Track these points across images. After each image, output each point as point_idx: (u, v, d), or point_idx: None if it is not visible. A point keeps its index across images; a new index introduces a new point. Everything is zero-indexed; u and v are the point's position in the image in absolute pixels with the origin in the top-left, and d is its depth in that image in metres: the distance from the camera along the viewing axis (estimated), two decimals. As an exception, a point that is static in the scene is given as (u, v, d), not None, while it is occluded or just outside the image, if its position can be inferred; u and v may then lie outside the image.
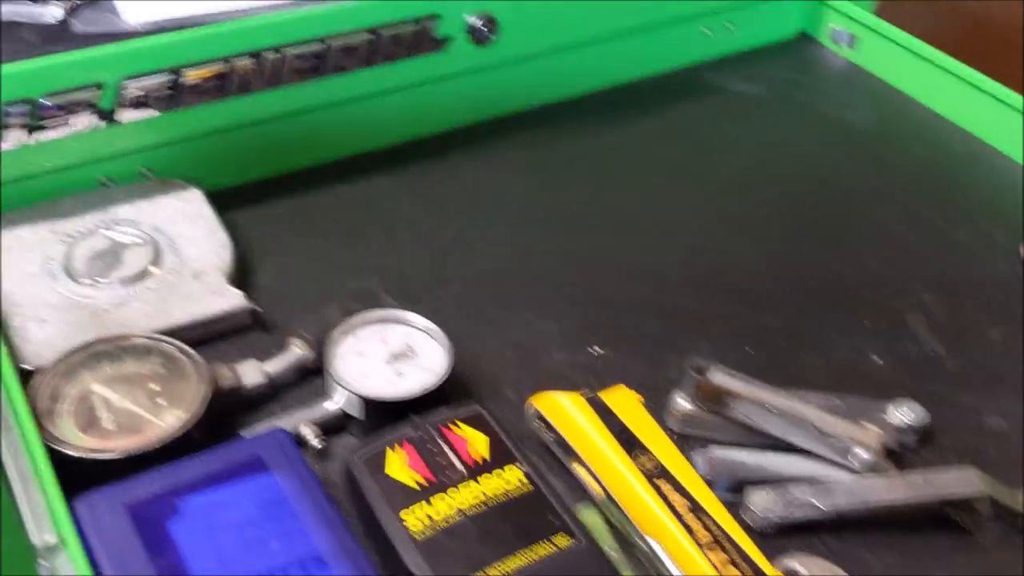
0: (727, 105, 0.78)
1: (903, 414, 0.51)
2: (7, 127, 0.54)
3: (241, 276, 0.58)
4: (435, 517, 0.43)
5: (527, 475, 0.44)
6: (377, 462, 0.45)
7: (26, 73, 0.53)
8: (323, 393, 0.51)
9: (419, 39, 0.64)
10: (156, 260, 0.57)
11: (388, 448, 0.45)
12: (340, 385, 0.50)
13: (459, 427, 0.47)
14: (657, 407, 0.51)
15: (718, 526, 0.44)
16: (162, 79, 0.57)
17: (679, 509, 0.45)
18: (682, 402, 0.51)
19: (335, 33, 0.61)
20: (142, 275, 0.56)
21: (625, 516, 0.45)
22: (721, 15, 0.79)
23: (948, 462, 0.51)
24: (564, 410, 0.48)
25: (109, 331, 0.52)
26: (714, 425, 0.51)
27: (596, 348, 0.56)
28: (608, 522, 0.46)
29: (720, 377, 0.51)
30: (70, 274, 0.55)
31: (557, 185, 0.70)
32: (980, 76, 0.73)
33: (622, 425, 0.48)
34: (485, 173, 0.70)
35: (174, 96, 0.58)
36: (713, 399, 0.50)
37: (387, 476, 0.45)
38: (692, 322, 0.59)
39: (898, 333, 0.59)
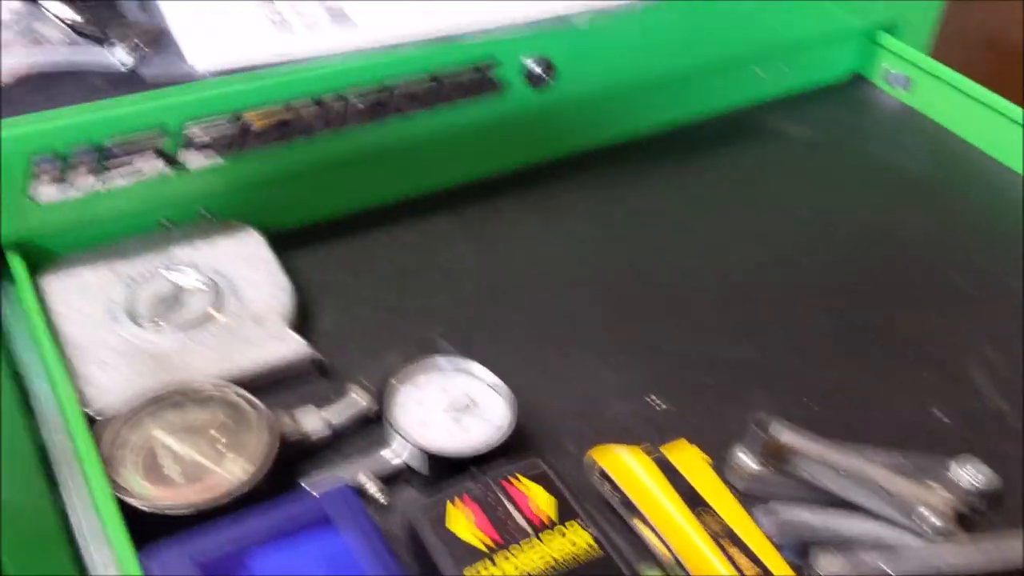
0: (780, 148, 0.78)
1: (971, 476, 0.50)
2: (74, 171, 0.54)
3: (300, 321, 0.59)
4: (501, 578, 0.42)
5: (596, 540, 0.43)
6: (439, 517, 0.45)
7: (94, 119, 0.54)
8: (383, 442, 0.51)
9: (478, 83, 0.64)
10: (217, 304, 0.57)
11: (449, 503, 0.45)
12: (401, 436, 0.49)
13: (522, 482, 0.46)
14: (718, 462, 0.51)
15: (786, 591, 0.44)
16: (227, 124, 0.57)
17: (747, 572, 0.44)
18: (745, 458, 0.50)
19: (397, 78, 0.61)
20: (204, 319, 0.56)
21: (691, 579, 0.45)
22: (775, 57, 0.78)
23: (1017, 526, 0.50)
24: (627, 466, 0.48)
25: (172, 377, 0.53)
26: (778, 483, 0.50)
27: (656, 399, 0.56)
28: (674, 584, 0.45)
29: (784, 434, 0.50)
30: (132, 317, 0.56)
31: (611, 229, 0.69)
32: (1040, 122, 0.73)
33: (686, 483, 0.47)
34: (540, 216, 0.70)
35: (238, 141, 0.58)
36: (777, 456, 0.50)
37: (450, 532, 0.44)
38: (752, 374, 0.59)
39: (960, 388, 0.58)
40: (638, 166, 0.75)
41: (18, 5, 0.58)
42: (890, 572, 0.45)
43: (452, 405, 0.51)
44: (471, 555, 0.43)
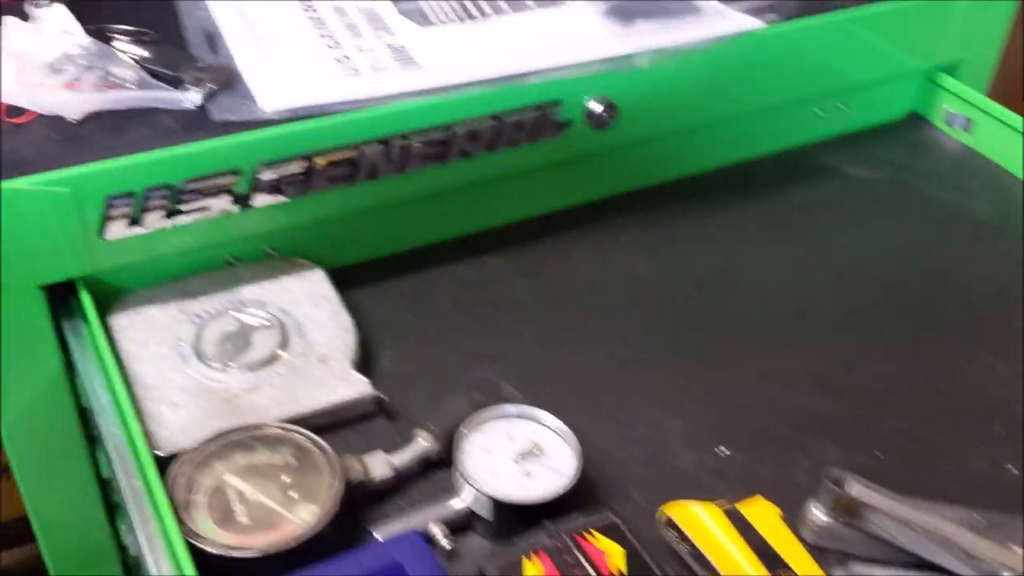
0: (840, 188, 0.77)
1: (1049, 535, 0.49)
2: (147, 210, 0.55)
3: (363, 360, 0.59)
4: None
5: (673, 598, 0.43)
6: (513, 572, 0.44)
7: (168, 160, 0.54)
8: (448, 488, 0.51)
9: (540, 124, 0.64)
10: (283, 344, 0.57)
11: (525, 558, 0.45)
12: (469, 484, 0.49)
13: (594, 537, 0.46)
14: (788, 514, 0.50)
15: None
16: (295, 165, 0.58)
17: (822, 633, 0.43)
18: (818, 513, 0.49)
19: (460, 119, 0.61)
20: (270, 359, 0.56)
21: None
22: (834, 97, 0.78)
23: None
24: (701, 522, 0.47)
25: (240, 417, 0.53)
26: (852, 539, 0.49)
27: (723, 449, 0.55)
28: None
29: (858, 489, 0.49)
30: (200, 356, 0.56)
31: (670, 268, 0.69)
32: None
33: (761, 540, 0.46)
34: (599, 255, 0.70)
35: (306, 181, 0.59)
36: (850, 511, 0.49)
37: (523, 585, 0.44)
38: (819, 424, 0.58)
39: (1032, 441, 0.58)
40: (697, 204, 0.74)
41: (89, 42, 0.59)
42: (971, 637, 0.44)
43: (519, 452, 0.51)
44: (544, 609, 0.43)
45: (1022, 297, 0.67)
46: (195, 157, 0.55)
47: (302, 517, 0.48)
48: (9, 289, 0.54)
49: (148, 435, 0.51)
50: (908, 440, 0.57)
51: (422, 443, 0.53)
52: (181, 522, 0.46)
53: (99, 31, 0.61)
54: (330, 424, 0.55)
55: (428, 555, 0.45)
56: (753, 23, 0.68)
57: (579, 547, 0.45)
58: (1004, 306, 0.67)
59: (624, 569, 0.44)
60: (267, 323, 0.58)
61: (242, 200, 0.58)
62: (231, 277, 0.61)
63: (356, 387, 0.56)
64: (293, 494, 0.49)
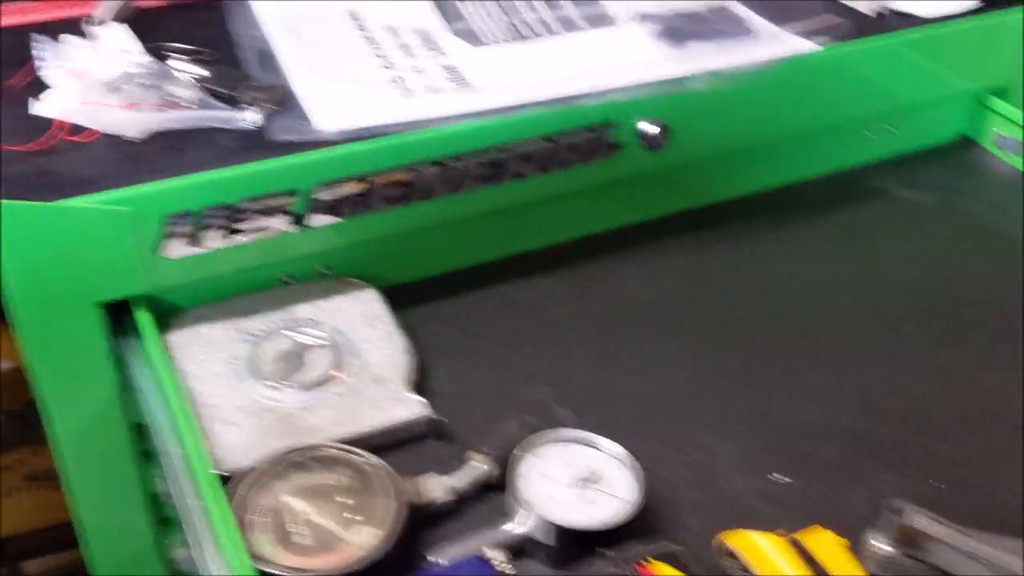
0: (889, 210, 0.77)
1: (1115, 570, 0.48)
2: (205, 230, 0.55)
3: (416, 381, 0.59)
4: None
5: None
6: (575, 598, 0.44)
7: (227, 180, 0.55)
8: (503, 512, 0.51)
9: (593, 146, 0.64)
10: (338, 363, 0.57)
11: (585, 584, 0.45)
12: (527, 508, 0.49)
13: (653, 565, 0.46)
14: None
15: None
16: (351, 186, 0.58)
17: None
18: (880, 544, 0.49)
19: (514, 141, 0.61)
20: (325, 379, 0.56)
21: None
22: (884, 118, 0.78)
23: None
24: (762, 552, 0.47)
25: (296, 437, 0.53)
26: (914, 570, 0.49)
27: (778, 475, 0.55)
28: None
29: (920, 520, 0.49)
30: (256, 375, 0.56)
31: (721, 290, 0.69)
32: None
33: (825, 572, 0.46)
34: (649, 275, 0.69)
35: (361, 202, 0.59)
36: (913, 543, 0.48)
37: (583, 612, 0.44)
38: (872, 450, 0.57)
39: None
40: (746, 225, 0.74)
41: (148, 61, 0.59)
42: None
43: (576, 477, 0.50)
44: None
45: (1078, 324, 0.66)
46: (253, 177, 0.55)
47: (361, 539, 0.48)
48: (67, 307, 0.54)
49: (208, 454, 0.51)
50: (962, 467, 0.56)
51: (477, 466, 0.53)
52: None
53: (156, 50, 0.62)
54: (384, 445, 0.55)
55: (489, 580, 0.45)
56: (807, 46, 0.67)
57: (640, 576, 0.45)
58: (1059, 332, 0.67)
59: (684, 598, 0.44)
60: (322, 343, 0.58)
61: (298, 220, 0.58)
62: (285, 296, 0.61)
63: (411, 408, 0.56)
64: (351, 515, 0.49)
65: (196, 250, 0.56)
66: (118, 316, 0.58)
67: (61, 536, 1.53)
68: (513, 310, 0.66)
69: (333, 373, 0.57)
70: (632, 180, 0.68)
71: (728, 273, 0.70)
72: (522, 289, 0.68)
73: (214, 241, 0.56)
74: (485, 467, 0.53)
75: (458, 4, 0.71)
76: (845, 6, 0.74)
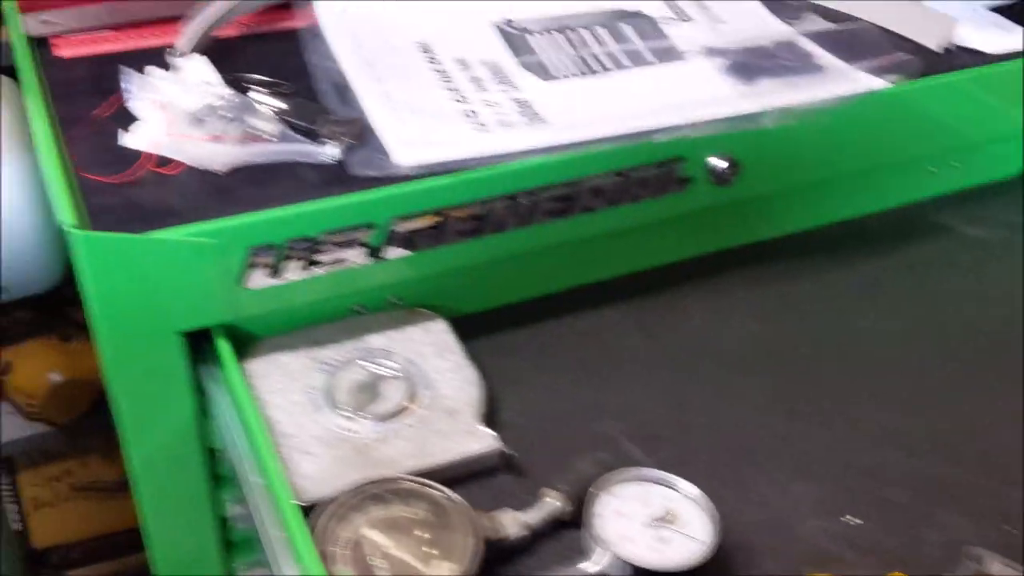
0: (952, 246, 0.76)
1: None
2: (286, 261, 0.56)
3: (486, 413, 0.59)
4: None
5: None
6: (655, 641, 0.45)
7: (309, 213, 0.56)
8: (577, 549, 0.51)
9: (664, 180, 0.64)
10: (412, 395, 0.58)
11: (666, 627, 0.45)
12: (603, 547, 0.49)
13: (732, 607, 0.46)
14: (921, 589, 0.50)
15: None
16: (427, 220, 0.59)
17: None
18: (957, 592, 0.49)
19: (586, 176, 0.62)
20: (399, 410, 0.57)
21: None
22: (949, 154, 0.77)
23: None
24: (842, 597, 0.47)
25: (372, 468, 0.54)
26: (992, 620, 0.49)
27: (851, 518, 0.55)
28: None
29: (999, 568, 0.49)
30: (332, 405, 0.57)
31: (787, 325, 0.69)
32: None
33: (905, 620, 0.46)
34: (713, 309, 0.70)
35: (436, 235, 0.60)
36: (990, 592, 0.48)
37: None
38: (944, 493, 0.57)
39: None
40: (809, 259, 0.74)
41: (230, 94, 0.60)
42: None
43: (652, 517, 0.51)
44: None
45: None
46: (334, 211, 0.56)
47: (440, 574, 0.48)
48: (150, 335, 0.56)
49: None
50: (1039, 514, 0.56)
51: (551, 502, 0.53)
52: None
53: (235, 81, 0.63)
54: (456, 478, 0.55)
55: (571, 621, 0.45)
56: (877, 83, 0.68)
57: (721, 619, 0.45)
58: None
59: (767, 644, 0.44)
60: (396, 374, 0.59)
61: (374, 252, 0.59)
62: (358, 326, 0.62)
63: (483, 442, 0.56)
64: (430, 550, 0.49)
65: (276, 281, 0.57)
66: (197, 343, 0.59)
67: (105, 546, 1.56)
68: (580, 342, 0.67)
69: (406, 404, 0.58)
70: (698, 213, 0.69)
71: (794, 308, 0.70)
72: (588, 321, 0.68)
73: (293, 272, 0.57)
74: (559, 503, 0.53)
75: (527, 37, 0.72)
76: (912, 42, 0.74)
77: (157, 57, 0.66)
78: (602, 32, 0.73)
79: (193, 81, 0.61)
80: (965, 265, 0.75)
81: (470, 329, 0.65)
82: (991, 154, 0.80)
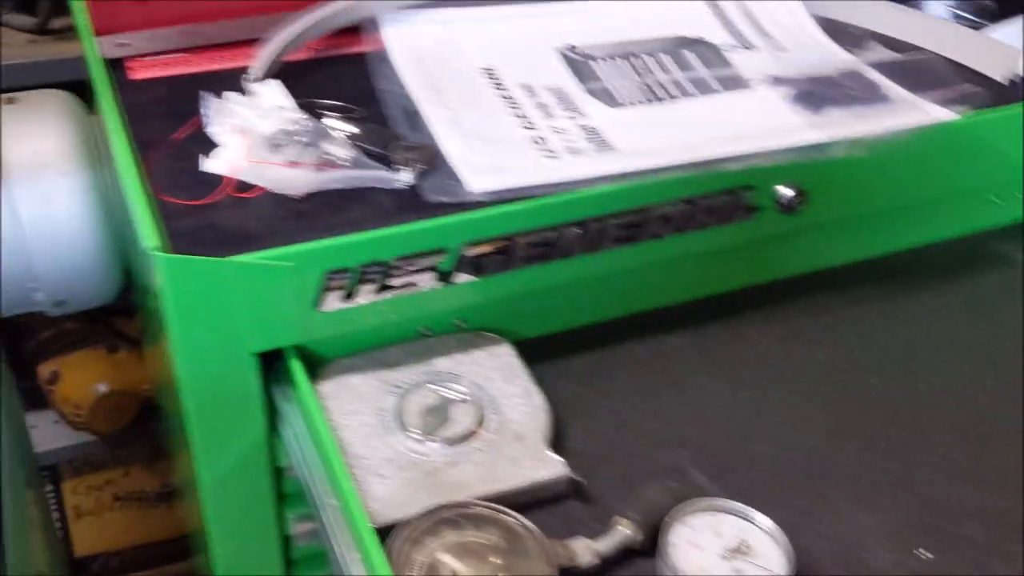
0: (1016, 277, 0.76)
1: None
2: (360, 285, 0.57)
3: (553, 438, 0.59)
4: None
5: None
6: (734, 675, 0.45)
7: (384, 238, 0.56)
8: (649, 578, 0.52)
9: (731, 208, 0.65)
10: (480, 419, 0.58)
11: (745, 661, 0.45)
12: (678, 577, 0.50)
13: (811, 642, 0.46)
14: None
15: None
16: (497, 245, 0.59)
17: None
18: (1036, 632, 0.48)
19: (655, 203, 0.62)
20: (469, 434, 0.57)
21: None
22: (1012, 184, 0.77)
23: None
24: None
25: (444, 492, 0.54)
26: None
27: (923, 551, 0.54)
28: None
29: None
30: (402, 428, 0.57)
31: (850, 354, 0.68)
32: None
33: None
34: (776, 336, 0.69)
35: (505, 261, 0.60)
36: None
37: None
38: (1011, 527, 0.56)
39: None
40: (871, 288, 0.74)
41: (304, 119, 0.61)
42: None
43: (726, 548, 0.51)
44: None
45: None
46: (408, 236, 0.57)
47: (515, 602, 0.48)
48: (226, 356, 0.56)
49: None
50: (1115, 553, 0.56)
51: (623, 530, 0.53)
52: (401, 600, 0.47)
53: (308, 106, 0.64)
54: (524, 504, 0.55)
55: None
56: (946, 114, 0.67)
57: (801, 655, 0.45)
58: None
59: None
60: (465, 397, 0.59)
61: (445, 277, 0.59)
62: (425, 349, 0.63)
63: (552, 468, 0.56)
64: (504, 577, 0.50)
65: (348, 304, 0.58)
66: (267, 362, 0.60)
67: (145, 556, 1.57)
68: (643, 369, 0.67)
69: (475, 429, 0.58)
70: (762, 241, 0.69)
71: (859, 336, 0.70)
72: (651, 347, 0.68)
73: (366, 296, 0.58)
74: (630, 532, 0.53)
75: (590, 63, 0.72)
76: (976, 73, 0.74)
77: (229, 79, 0.67)
78: (665, 59, 0.74)
79: (268, 106, 0.62)
80: (1027, 296, 0.75)
81: (533, 353, 0.65)
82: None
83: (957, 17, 0.84)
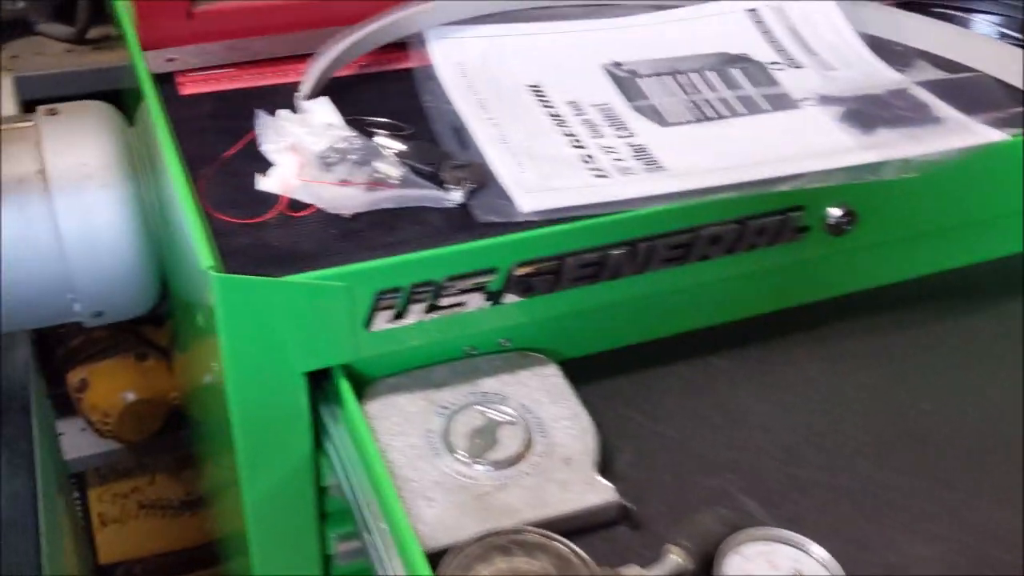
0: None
1: None
2: (411, 304, 0.57)
3: (602, 464, 0.59)
4: None
5: None
6: None
7: (436, 258, 0.56)
8: (701, 606, 0.51)
9: (781, 229, 0.64)
10: (528, 442, 0.58)
11: None
12: (733, 607, 0.49)
13: (873, 678, 0.45)
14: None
15: None
16: (547, 265, 0.59)
17: None
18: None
19: (706, 224, 0.62)
20: (517, 458, 0.57)
21: None
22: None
23: None
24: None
25: (492, 517, 0.54)
26: None
27: (978, 584, 0.54)
28: None
29: None
30: (450, 450, 0.57)
31: (899, 378, 0.67)
32: None
33: None
34: (824, 358, 0.68)
35: (553, 280, 0.60)
36: None
37: None
38: (1073, 562, 0.56)
39: None
40: (920, 308, 0.73)
41: (354, 136, 0.61)
42: None
43: (781, 578, 0.50)
44: None
45: None
46: (459, 256, 0.56)
47: (569, 631, 0.48)
48: (276, 375, 0.56)
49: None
50: None
51: (675, 559, 0.52)
52: (455, 628, 0.47)
53: (356, 123, 0.63)
54: (573, 530, 0.55)
55: None
56: (997, 135, 0.67)
57: None
58: None
59: None
60: (512, 420, 0.59)
61: (493, 297, 0.59)
62: (471, 368, 0.62)
63: (601, 493, 0.56)
64: (557, 605, 0.49)
65: (398, 324, 0.57)
66: (314, 381, 0.59)
67: (168, 564, 1.57)
68: (690, 391, 0.66)
69: (523, 452, 0.57)
70: (813, 263, 0.68)
71: (905, 359, 0.69)
72: (697, 369, 0.68)
73: (415, 316, 0.57)
74: (682, 560, 0.52)
75: (637, 80, 0.72)
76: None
77: (277, 95, 0.67)
78: (712, 77, 0.73)
79: (319, 123, 0.61)
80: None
81: (578, 373, 0.64)
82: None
83: (1003, 35, 0.83)
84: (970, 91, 0.73)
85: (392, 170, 0.59)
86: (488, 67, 0.72)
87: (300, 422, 0.58)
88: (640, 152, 0.65)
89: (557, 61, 0.74)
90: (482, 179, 0.61)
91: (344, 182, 0.57)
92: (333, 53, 0.66)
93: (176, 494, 1.57)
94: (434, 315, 0.58)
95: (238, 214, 0.57)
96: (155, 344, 1.48)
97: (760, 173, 0.63)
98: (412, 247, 0.56)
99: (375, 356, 0.59)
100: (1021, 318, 0.73)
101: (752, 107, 0.70)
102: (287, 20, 0.71)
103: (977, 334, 0.72)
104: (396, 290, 0.56)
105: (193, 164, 0.61)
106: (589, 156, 0.64)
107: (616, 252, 0.61)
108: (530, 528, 0.52)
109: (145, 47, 0.69)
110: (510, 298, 0.60)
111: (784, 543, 0.52)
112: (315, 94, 0.66)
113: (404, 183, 0.58)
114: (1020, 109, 0.70)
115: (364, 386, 0.60)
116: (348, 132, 0.61)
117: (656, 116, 0.69)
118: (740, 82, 0.72)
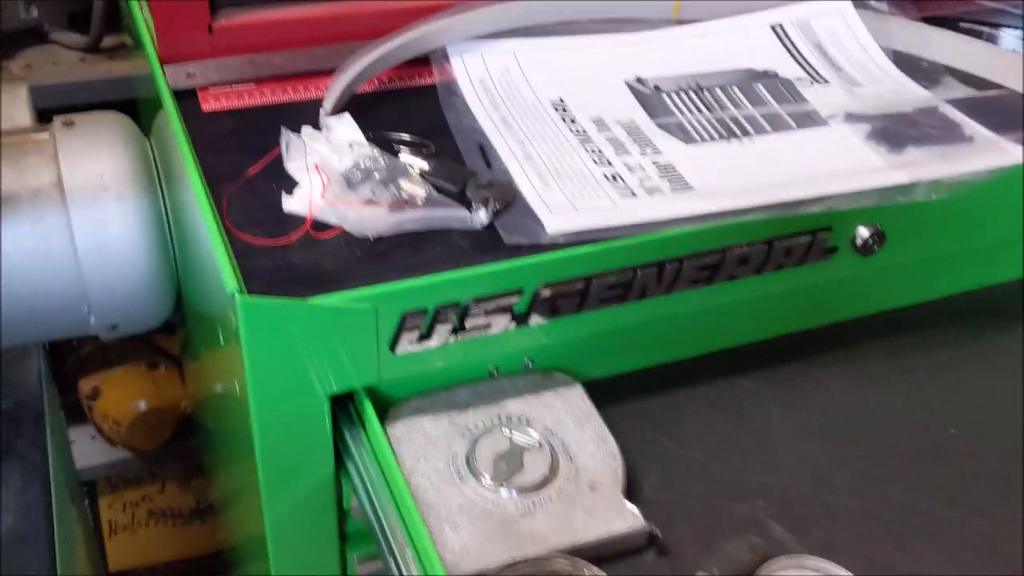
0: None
1: None
2: (436, 325, 0.56)
3: (629, 488, 0.58)
4: None
5: None
6: None
7: (461, 280, 0.55)
8: (732, 637, 0.50)
9: (809, 249, 0.63)
10: (554, 467, 0.57)
11: None
12: (765, 640, 0.48)
13: None
14: None
15: None
16: (573, 286, 0.58)
17: None
18: None
19: (734, 244, 0.61)
20: (543, 483, 0.56)
21: None
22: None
23: None
24: None
25: (519, 544, 0.53)
26: None
27: (1014, 615, 0.53)
28: None
29: None
30: (474, 474, 0.56)
31: (928, 400, 0.66)
32: None
33: None
34: (851, 380, 0.68)
35: (580, 302, 0.59)
36: None
37: None
38: (1111, 591, 0.55)
39: None
40: (947, 329, 0.72)
41: (378, 154, 0.60)
42: None
43: (815, 609, 0.49)
44: None
45: None
46: (486, 278, 0.56)
47: (599, 663, 0.47)
48: (300, 398, 0.55)
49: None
50: None
51: (705, 587, 0.52)
52: (483, 660, 0.46)
53: (379, 140, 0.63)
54: (600, 557, 0.54)
55: None
56: (1029, 155, 0.66)
57: None
58: None
59: None
60: (537, 443, 0.58)
61: (519, 318, 0.58)
62: (495, 389, 0.61)
63: (630, 520, 0.55)
64: (586, 636, 0.48)
65: (423, 346, 0.56)
66: (338, 403, 0.59)
67: (177, 573, 1.57)
68: (716, 413, 0.65)
69: (549, 477, 0.56)
70: (840, 283, 0.67)
71: (932, 381, 0.68)
72: (721, 389, 0.67)
73: (440, 337, 0.56)
74: (713, 589, 0.52)
75: (663, 96, 0.71)
76: (1057, 110, 0.73)
77: (299, 111, 0.66)
78: (736, 93, 0.72)
79: (342, 141, 0.61)
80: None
81: (603, 393, 0.64)
82: None
83: (1030, 51, 0.82)
84: (999, 109, 0.72)
85: (417, 189, 0.58)
86: (511, 82, 0.71)
87: (323, 444, 0.58)
88: (666, 171, 0.64)
89: (580, 76, 0.73)
90: (507, 198, 0.60)
91: (369, 202, 0.56)
92: (356, 68, 0.66)
93: (186, 502, 1.57)
94: (459, 337, 0.57)
95: (262, 234, 0.56)
96: (166, 352, 1.47)
97: (789, 194, 0.62)
98: (437, 268, 0.55)
99: (398, 377, 0.59)
100: (1008, 346, 0.72)
101: (778, 125, 0.69)
102: (308, 35, 0.70)
103: (1004, 354, 0.71)
104: (421, 312, 0.55)
105: (215, 182, 0.60)
106: (615, 175, 0.63)
107: (643, 273, 0.60)
108: (559, 556, 0.51)
109: (164, 61, 0.69)
110: (536, 319, 0.59)
111: (815, 572, 0.51)
112: (337, 110, 0.65)
113: (429, 203, 0.58)
114: (1050, 127, 0.70)
115: (386, 407, 0.60)
116: (372, 150, 0.60)
117: (681, 133, 0.68)
118: (765, 98, 0.72)
